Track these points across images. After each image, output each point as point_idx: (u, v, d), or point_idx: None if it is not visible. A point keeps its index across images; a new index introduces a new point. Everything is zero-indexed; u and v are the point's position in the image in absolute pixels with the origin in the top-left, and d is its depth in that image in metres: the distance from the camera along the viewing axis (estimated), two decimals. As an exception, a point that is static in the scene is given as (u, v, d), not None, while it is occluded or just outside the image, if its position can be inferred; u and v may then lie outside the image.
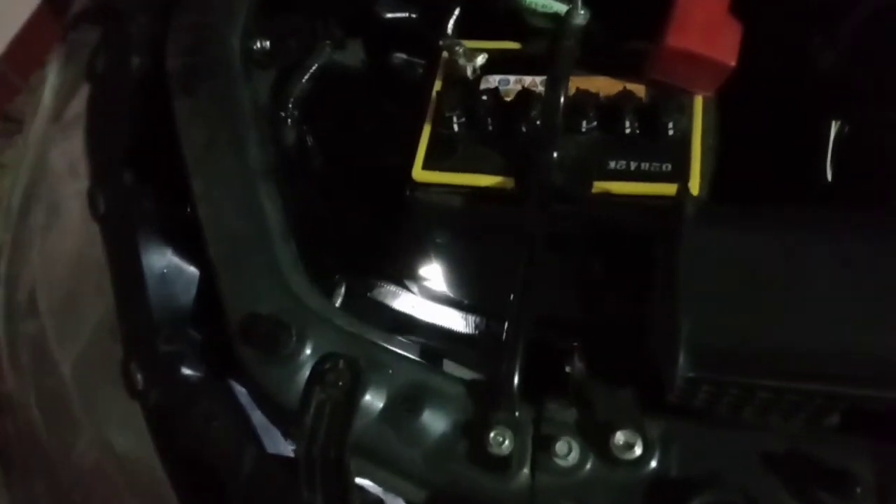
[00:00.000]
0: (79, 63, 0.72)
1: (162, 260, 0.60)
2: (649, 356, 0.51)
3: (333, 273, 0.90)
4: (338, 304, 0.88)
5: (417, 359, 0.55)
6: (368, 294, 0.91)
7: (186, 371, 0.54)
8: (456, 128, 0.62)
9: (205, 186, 0.57)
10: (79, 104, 0.69)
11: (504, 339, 0.52)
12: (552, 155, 0.57)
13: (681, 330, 0.46)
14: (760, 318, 0.46)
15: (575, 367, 0.55)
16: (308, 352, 0.53)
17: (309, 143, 0.80)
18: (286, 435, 0.57)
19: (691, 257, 0.47)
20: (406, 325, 0.92)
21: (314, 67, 0.77)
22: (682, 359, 0.46)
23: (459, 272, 0.81)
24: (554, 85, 0.57)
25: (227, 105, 0.61)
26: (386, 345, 0.54)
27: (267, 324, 0.53)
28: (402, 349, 0.60)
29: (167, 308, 0.58)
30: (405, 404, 0.51)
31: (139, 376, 0.51)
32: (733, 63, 0.57)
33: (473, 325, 0.92)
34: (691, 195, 0.51)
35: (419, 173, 0.62)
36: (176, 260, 0.61)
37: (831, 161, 0.58)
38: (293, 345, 0.53)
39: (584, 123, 0.59)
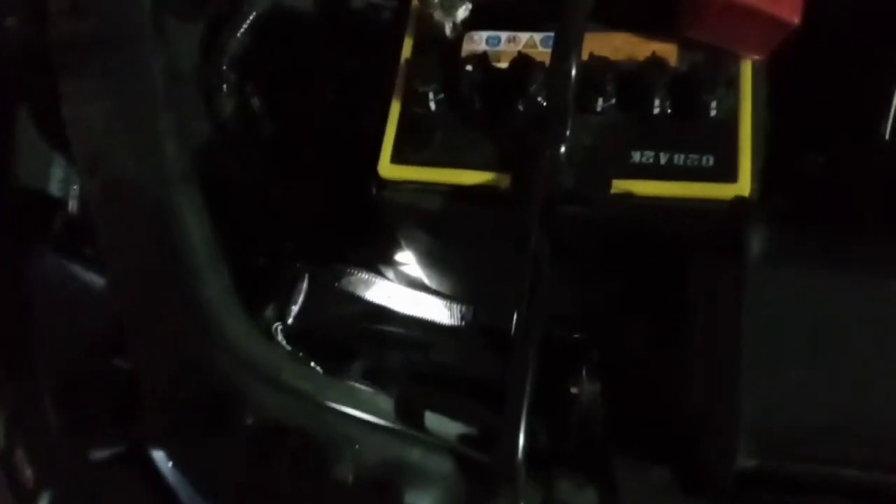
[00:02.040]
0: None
1: (56, 291, 0.47)
2: (682, 428, 0.40)
3: (294, 261, 0.77)
4: (300, 298, 0.76)
5: (392, 425, 0.43)
6: (336, 284, 0.79)
7: (95, 454, 0.42)
8: (433, 106, 0.48)
9: (103, 206, 0.43)
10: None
11: (505, 405, 0.40)
12: (560, 146, 0.43)
13: (742, 409, 0.35)
14: (842, 391, 0.35)
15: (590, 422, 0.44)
16: (249, 422, 0.41)
17: (253, 112, 0.65)
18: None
19: (756, 314, 0.35)
20: (382, 317, 0.80)
21: (253, 15, 0.61)
22: (742, 445, 0.35)
23: (441, 271, 0.68)
24: (563, 50, 0.43)
25: (130, 87, 0.46)
26: (353, 410, 0.42)
27: (193, 392, 0.41)
28: (372, 393, 0.48)
29: (66, 358, 0.45)
30: (377, 489, 0.40)
31: (28, 472, 0.39)
32: (797, 20, 0.43)
33: (459, 314, 0.81)
34: (754, 218, 0.38)
35: (387, 168, 0.48)
36: (75, 284, 0.48)
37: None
38: (229, 416, 0.41)
39: (600, 101, 0.45)
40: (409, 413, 0.46)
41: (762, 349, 0.35)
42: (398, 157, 0.48)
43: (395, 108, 0.49)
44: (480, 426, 0.49)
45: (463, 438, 0.48)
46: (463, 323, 0.80)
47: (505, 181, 0.46)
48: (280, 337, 0.70)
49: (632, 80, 0.45)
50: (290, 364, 0.45)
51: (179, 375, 0.41)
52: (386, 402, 0.46)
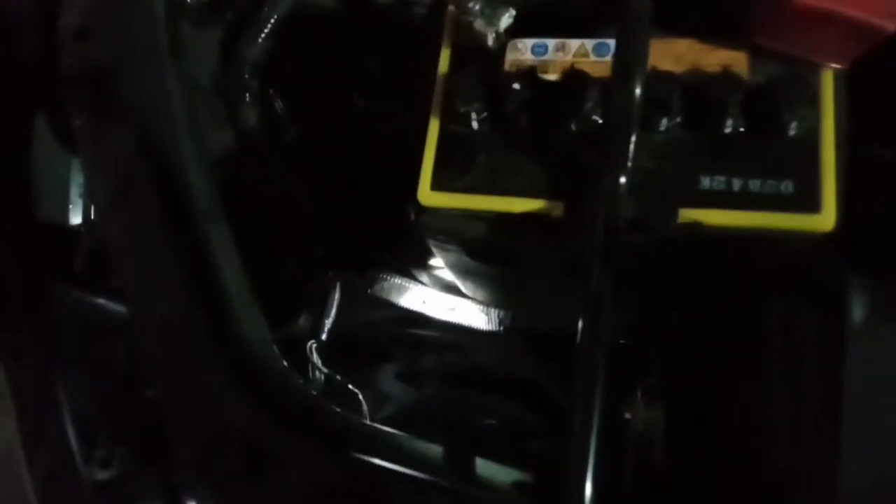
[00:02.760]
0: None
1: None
2: (760, 481, 0.37)
3: (325, 269, 0.74)
4: (333, 311, 0.73)
5: (442, 481, 0.40)
6: (369, 290, 0.76)
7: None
8: (475, 126, 0.44)
9: (125, 252, 0.40)
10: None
11: (569, 453, 0.37)
12: (622, 173, 0.39)
13: (842, 475, 0.31)
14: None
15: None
16: (288, 480, 0.38)
17: (277, 120, 0.61)
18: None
19: (857, 372, 0.31)
20: (416, 321, 0.78)
21: (274, 19, 0.57)
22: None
23: (480, 286, 0.64)
24: (626, 67, 0.38)
25: (149, 118, 0.42)
26: (399, 467, 0.39)
27: (228, 445, 0.38)
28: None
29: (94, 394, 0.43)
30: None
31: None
32: (893, 27, 0.38)
33: (497, 319, 0.78)
34: (844, 258, 0.34)
35: (427, 195, 0.44)
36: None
37: None
38: (266, 473, 0.38)
39: (665, 120, 0.41)
40: (459, 465, 0.43)
41: (863, 411, 0.32)
42: (439, 184, 0.44)
43: (433, 128, 0.45)
44: (536, 473, 0.46)
45: (518, 486, 0.45)
46: (501, 328, 0.77)
47: (557, 209, 0.42)
48: (315, 357, 0.68)
49: (700, 96, 0.40)
50: (331, 417, 0.42)
51: (213, 430, 0.38)
52: (433, 451, 0.43)
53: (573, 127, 0.42)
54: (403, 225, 0.48)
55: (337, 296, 0.72)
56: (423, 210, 0.45)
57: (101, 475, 0.41)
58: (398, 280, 0.74)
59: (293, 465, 0.39)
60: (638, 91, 0.37)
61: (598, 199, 0.39)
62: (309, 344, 0.65)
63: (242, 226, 0.54)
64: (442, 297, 0.75)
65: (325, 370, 0.63)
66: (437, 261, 0.71)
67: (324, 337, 0.69)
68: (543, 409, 0.85)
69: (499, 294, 0.68)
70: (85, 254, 0.50)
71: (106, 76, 0.41)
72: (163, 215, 0.40)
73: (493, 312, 0.75)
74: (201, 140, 0.45)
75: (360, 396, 0.64)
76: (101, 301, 0.49)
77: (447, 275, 0.74)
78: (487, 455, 0.89)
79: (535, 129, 0.43)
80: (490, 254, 0.47)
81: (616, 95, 0.38)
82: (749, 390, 0.41)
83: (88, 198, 0.51)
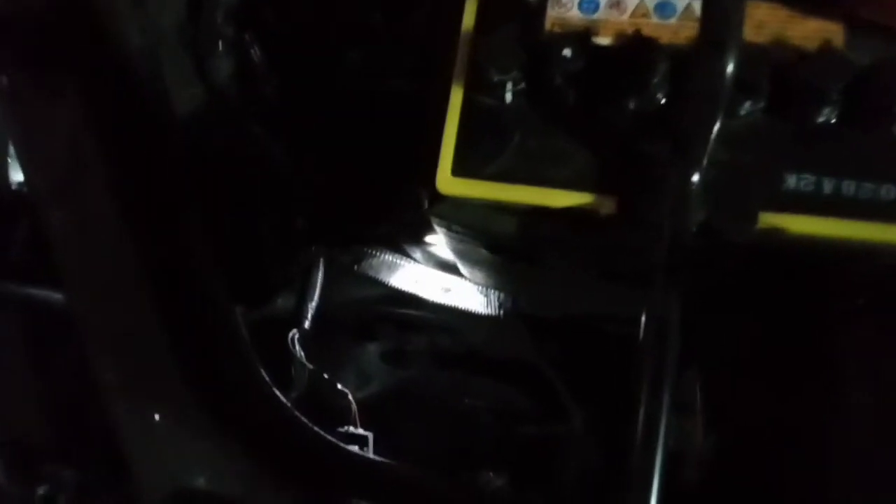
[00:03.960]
0: None
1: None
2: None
3: (308, 243, 0.66)
4: (318, 285, 0.66)
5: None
6: (356, 267, 0.68)
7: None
8: (509, 98, 0.36)
9: (69, 246, 0.32)
10: None
11: None
12: (696, 170, 0.32)
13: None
14: None
15: None
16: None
17: (254, 73, 0.52)
18: None
19: None
20: (408, 303, 0.70)
21: (253, -49, 0.47)
22: None
23: (489, 276, 0.57)
24: (717, 37, 0.30)
25: (102, 83, 0.33)
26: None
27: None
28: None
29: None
30: None
31: None
32: None
33: (497, 303, 0.71)
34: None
35: (447, 182, 0.36)
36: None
37: None
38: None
39: (748, 103, 0.33)
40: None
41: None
42: (462, 168, 0.36)
43: (456, 99, 0.37)
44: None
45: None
46: (501, 312, 0.70)
47: (607, 206, 0.35)
48: (298, 350, 0.60)
49: (793, 77, 0.33)
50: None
51: (181, 487, 0.31)
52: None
53: (632, 106, 0.35)
54: (410, 212, 0.41)
55: (321, 273, 0.64)
56: (439, 198, 0.38)
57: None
58: (388, 256, 0.66)
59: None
60: (730, 69, 0.30)
61: (663, 199, 0.32)
62: (291, 335, 0.58)
63: (214, 195, 0.47)
64: (437, 277, 0.68)
65: (309, 366, 0.56)
66: (434, 238, 0.64)
67: (307, 321, 0.61)
68: (539, 394, 0.80)
69: (503, 280, 0.61)
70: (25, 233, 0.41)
71: (48, 23, 0.32)
72: (113, 209, 0.32)
73: (493, 295, 0.68)
74: (168, 105, 0.36)
75: (350, 397, 0.57)
76: (45, 294, 0.40)
77: (444, 252, 0.66)
78: (475, 438, 0.83)
79: (585, 107, 0.35)
80: (516, 252, 0.40)
81: (701, 72, 0.30)
82: (820, 422, 0.35)
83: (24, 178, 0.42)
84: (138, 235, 0.33)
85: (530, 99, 0.36)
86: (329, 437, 0.36)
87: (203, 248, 0.32)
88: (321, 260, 0.64)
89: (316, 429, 0.36)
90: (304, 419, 0.37)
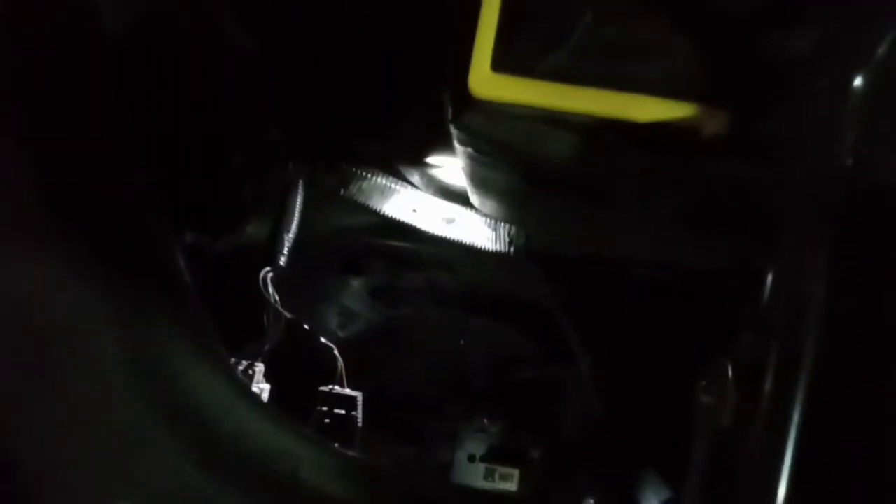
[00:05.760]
0: None
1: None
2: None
3: (285, 159, 0.55)
4: (295, 211, 0.55)
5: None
6: (343, 191, 0.57)
7: None
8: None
9: None
10: None
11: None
12: (865, 63, 0.22)
13: None
14: None
15: None
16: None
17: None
18: None
19: None
20: (402, 234, 0.60)
21: None
22: None
23: (500, 201, 0.47)
24: None
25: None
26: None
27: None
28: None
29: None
30: None
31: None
32: None
33: (506, 238, 0.61)
34: None
35: (484, 81, 0.26)
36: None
37: None
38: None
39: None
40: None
41: None
42: (505, 63, 0.26)
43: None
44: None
45: None
46: (511, 249, 0.61)
47: (714, 122, 0.25)
48: (272, 292, 0.51)
49: None
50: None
51: None
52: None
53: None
54: (417, 123, 0.30)
55: (299, 197, 0.54)
56: (470, 103, 0.27)
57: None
58: (382, 179, 0.56)
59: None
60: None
61: (806, 114, 0.22)
62: (263, 274, 0.48)
63: (172, 97, 0.37)
64: (438, 205, 0.58)
65: (287, 314, 0.47)
66: (440, 158, 0.53)
67: (283, 256, 0.51)
68: (543, 337, 0.72)
69: (517, 211, 0.51)
70: None
71: None
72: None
73: (503, 229, 0.58)
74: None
75: (336, 352, 0.48)
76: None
77: (450, 176, 0.56)
78: (470, 381, 0.76)
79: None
80: (569, 187, 0.30)
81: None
82: None
83: None
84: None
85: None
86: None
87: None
88: (300, 181, 0.53)
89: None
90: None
